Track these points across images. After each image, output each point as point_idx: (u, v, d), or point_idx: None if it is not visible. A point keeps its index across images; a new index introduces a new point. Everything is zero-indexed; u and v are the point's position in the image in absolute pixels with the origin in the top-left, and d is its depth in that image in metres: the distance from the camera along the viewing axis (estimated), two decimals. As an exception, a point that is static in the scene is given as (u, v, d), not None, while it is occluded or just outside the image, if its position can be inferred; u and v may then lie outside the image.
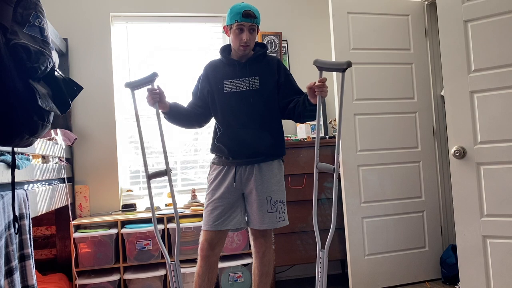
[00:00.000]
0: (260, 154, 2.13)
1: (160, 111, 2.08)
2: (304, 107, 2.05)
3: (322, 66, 1.88)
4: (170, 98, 2.13)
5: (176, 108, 2.14)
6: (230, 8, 2.12)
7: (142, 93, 2.07)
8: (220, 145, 2.15)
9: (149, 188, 1.99)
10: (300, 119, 2.19)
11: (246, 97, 2.12)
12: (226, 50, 2.23)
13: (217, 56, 2.28)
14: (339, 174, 2.97)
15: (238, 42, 2.09)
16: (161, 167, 3.42)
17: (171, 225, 2.91)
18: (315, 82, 1.92)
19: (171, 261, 1.94)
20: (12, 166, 1.44)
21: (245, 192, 2.15)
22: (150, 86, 1.98)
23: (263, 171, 2.12)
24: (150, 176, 1.96)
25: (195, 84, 2.27)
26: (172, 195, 2.00)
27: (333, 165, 1.89)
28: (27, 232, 1.77)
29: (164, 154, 1.98)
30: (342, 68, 1.82)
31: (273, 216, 2.12)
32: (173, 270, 1.94)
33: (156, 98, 2.01)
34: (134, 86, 1.98)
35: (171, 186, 2.00)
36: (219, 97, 2.15)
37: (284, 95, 2.19)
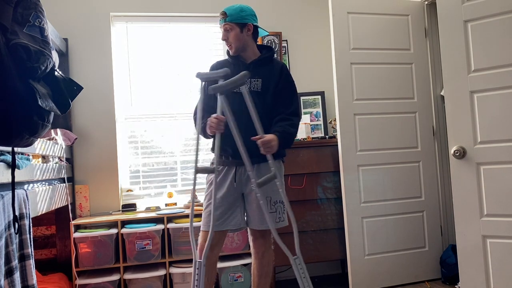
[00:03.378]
0: (261, 155, 2.12)
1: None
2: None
3: (220, 89, 1.83)
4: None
5: None
6: None
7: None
8: (221, 145, 2.15)
9: (195, 180, 1.97)
10: None
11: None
12: None
13: (218, 56, 2.29)
14: (339, 174, 2.98)
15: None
16: (161, 167, 3.42)
17: (171, 225, 2.91)
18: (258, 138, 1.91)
19: (198, 260, 1.92)
20: (12, 166, 1.44)
21: (244, 192, 2.15)
22: (218, 115, 1.93)
23: (263, 172, 2.12)
24: (197, 170, 1.93)
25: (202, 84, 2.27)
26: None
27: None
28: (27, 232, 1.77)
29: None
30: (241, 83, 1.81)
31: (272, 216, 2.11)
32: (197, 269, 1.91)
33: (221, 129, 1.95)
34: (205, 78, 1.95)
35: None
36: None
37: (277, 102, 2.16)
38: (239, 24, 2.12)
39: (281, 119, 2.12)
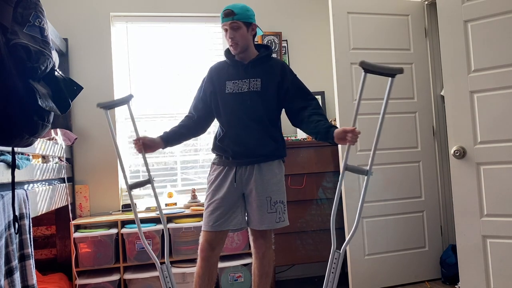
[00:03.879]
0: (261, 155, 2.13)
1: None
2: (325, 138, 2.01)
3: (369, 69, 1.80)
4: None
5: (171, 137, 2.18)
6: None
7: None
8: (221, 145, 2.16)
9: (131, 197, 2.12)
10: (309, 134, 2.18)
11: (245, 99, 2.11)
12: (229, 51, 2.24)
13: (219, 56, 2.29)
14: (339, 174, 2.97)
15: (228, 43, 2.13)
16: (161, 167, 3.42)
17: (171, 225, 2.91)
18: (354, 129, 1.90)
19: (161, 263, 2.00)
20: (12, 166, 1.44)
21: (245, 192, 2.15)
22: (136, 137, 2.09)
23: (263, 171, 2.12)
24: (131, 186, 2.06)
25: (199, 85, 2.28)
26: (157, 202, 2.15)
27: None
28: (27, 232, 1.77)
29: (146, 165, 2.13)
30: (392, 73, 1.79)
31: (272, 217, 2.11)
32: (164, 271, 1.99)
33: (140, 149, 2.10)
34: (107, 106, 2.05)
35: (155, 194, 2.15)
36: (221, 98, 2.15)
37: (292, 99, 2.16)
38: (246, 23, 2.11)
39: (315, 113, 2.09)
